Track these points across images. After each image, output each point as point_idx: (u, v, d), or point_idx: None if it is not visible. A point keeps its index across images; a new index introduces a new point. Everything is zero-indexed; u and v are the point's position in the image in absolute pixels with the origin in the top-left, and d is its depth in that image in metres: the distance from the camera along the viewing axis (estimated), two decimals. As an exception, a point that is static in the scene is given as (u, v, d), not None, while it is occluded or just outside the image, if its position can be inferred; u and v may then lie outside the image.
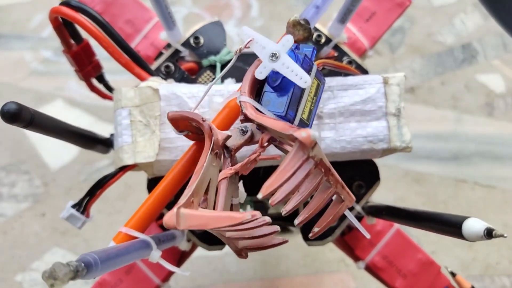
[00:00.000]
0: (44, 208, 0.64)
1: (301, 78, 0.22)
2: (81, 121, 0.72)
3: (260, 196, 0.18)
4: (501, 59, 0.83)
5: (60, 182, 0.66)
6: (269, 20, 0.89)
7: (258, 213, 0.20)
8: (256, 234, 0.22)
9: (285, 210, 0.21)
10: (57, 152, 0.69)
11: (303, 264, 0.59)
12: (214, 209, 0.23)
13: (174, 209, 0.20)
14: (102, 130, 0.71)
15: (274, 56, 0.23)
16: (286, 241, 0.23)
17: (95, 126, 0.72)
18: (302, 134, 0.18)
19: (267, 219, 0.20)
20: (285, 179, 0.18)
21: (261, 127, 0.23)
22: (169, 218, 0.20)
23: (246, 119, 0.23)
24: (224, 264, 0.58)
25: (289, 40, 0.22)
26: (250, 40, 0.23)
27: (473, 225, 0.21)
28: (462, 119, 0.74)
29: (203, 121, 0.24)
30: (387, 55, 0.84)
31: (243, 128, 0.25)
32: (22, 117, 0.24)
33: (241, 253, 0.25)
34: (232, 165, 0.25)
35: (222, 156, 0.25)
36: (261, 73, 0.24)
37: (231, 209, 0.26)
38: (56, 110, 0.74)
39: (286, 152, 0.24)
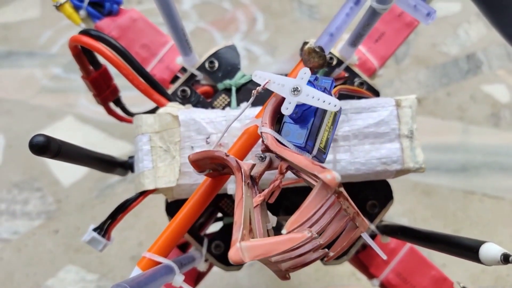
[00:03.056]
0: (57, 225, 0.65)
1: (329, 103, 0.23)
2: (92, 137, 0.73)
3: (284, 231, 0.19)
4: (506, 69, 0.84)
5: (72, 199, 0.67)
6: (274, 34, 0.90)
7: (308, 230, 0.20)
8: (302, 252, 0.22)
9: None
10: (69, 168, 0.70)
11: (315, 278, 0.59)
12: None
13: (237, 245, 0.20)
14: (113, 146, 0.73)
15: (296, 91, 0.24)
16: (326, 252, 0.24)
17: (105, 142, 0.72)
18: (327, 176, 0.19)
19: (315, 234, 0.21)
20: (309, 217, 0.19)
21: (281, 158, 0.24)
22: (234, 253, 0.20)
23: (267, 149, 0.24)
24: (236, 279, 0.59)
25: (307, 73, 0.23)
26: (267, 82, 0.24)
27: (490, 250, 0.22)
28: (468, 130, 0.75)
29: (227, 156, 0.24)
30: (392, 66, 0.85)
31: (261, 155, 0.25)
32: (51, 149, 0.25)
33: (284, 275, 0.25)
34: (259, 192, 0.25)
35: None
36: (287, 109, 0.24)
37: (268, 235, 0.26)
38: (67, 127, 0.75)
39: (304, 179, 0.25)
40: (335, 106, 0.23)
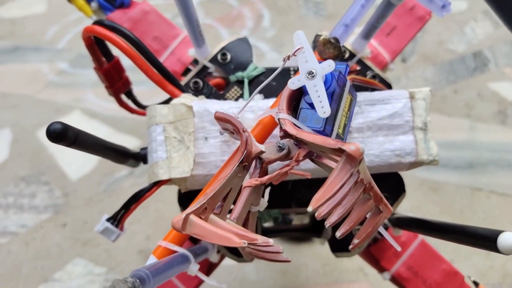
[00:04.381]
0: (65, 218, 0.65)
1: (322, 107, 0.23)
2: (99, 132, 0.73)
3: (310, 209, 0.19)
4: (512, 66, 0.84)
5: (80, 193, 0.67)
6: (281, 30, 0.90)
7: (260, 238, 0.21)
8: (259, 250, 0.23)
9: (329, 222, 0.21)
10: (76, 162, 0.70)
11: (323, 273, 0.59)
12: (229, 214, 0.25)
13: (183, 214, 0.21)
14: (120, 141, 0.73)
15: (311, 74, 0.24)
16: (288, 261, 0.24)
17: (112, 137, 0.73)
18: (351, 147, 0.19)
19: (270, 242, 0.22)
20: (334, 193, 0.19)
21: (300, 143, 0.24)
22: (177, 221, 0.22)
23: (286, 135, 0.24)
24: (244, 273, 0.59)
25: (331, 65, 0.23)
26: (299, 48, 0.24)
27: (509, 239, 0.22)
28: (475, 128, 0.75)
29: (243, 131, 0.24)
30: (399, 64, 0.84)
31: (281, 145, 0.25)
32: (68, 136, 0.25)
33: (247, 255, 0.26)
34: (260, 176, 0.26)
35: (253, 165, 0.26)
36: (293, 84, 0.24)
37: (248, 217, 0.27)
38: (74, 122, 0.75)
39: (323, 166, 0.25)
40: (324, 113, 0.23)
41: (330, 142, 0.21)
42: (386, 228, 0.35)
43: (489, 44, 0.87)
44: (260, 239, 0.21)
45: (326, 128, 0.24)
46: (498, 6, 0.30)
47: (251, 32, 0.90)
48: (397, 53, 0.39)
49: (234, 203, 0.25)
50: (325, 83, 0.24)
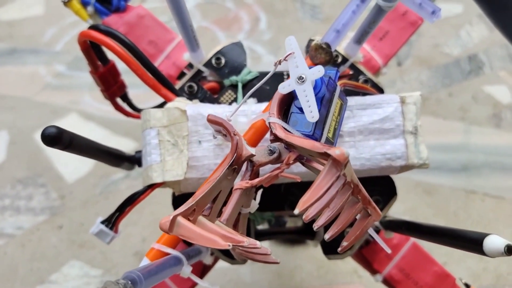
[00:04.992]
0: (61, 220, 0.65)
1: (311, 111, 0.23)
2: (96, 134, 0.73)
3: (296, 211, 0.20)
4: (507, 70, 0.85)
5: (76, 195, 0.67)
6: (277, 33, 0.91)
7: (247, 240, 0.21)
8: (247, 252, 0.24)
9: (317, 225, 0.22)
10: (73, 165, 0.70)
11: (317, 276, 0.59)
12: (219, 216, 0.25)
13: (172, 216, 0.22)
14: (116, 143, 0.73)
15: (300, 79, 0.24)
16: (277, 262, 0.25)
17: (109, 140, 0.73)
18: (336, 152, 0.19)
19: (257, 244, 0.22)
20: (320, 195, 0.20)
21: (290, 146, 0.24)
22: (164, 222, 0.22)
23: (276, 139, 0.24)
24: (238, 275, 0.59)
25: (320, 71, 0.23)
26: (290, 54, 0.25)
27: (494, 242, 0.22)
28: (470, 131, 0.75)
29: (234, 134, 0.25)
30: (394, 67, 0.85)
31: (272, 149, 0.26)
32: (62, 140, 0.25)
33: (238, 257, 0.26)
34: (251, 179, 0.26)
35: (244, 168, 0.26)
36: (283, 88, 0.25)
37: (238, 218, 0.27)
38: (71, 124, 0.76)
39: (312, 169, 0.26)
40: (312, 117, 0.24)
41: (317, 146, 0.21)
42: (378, 231, 0.36)
43: (484, 47, 0.88)
44: (247, 241, 0.21)
45: (316, 132, 0.24)
46: (490, 11, 0.30)
47: (247, 35, 0.90)
48: (390, 58, 0.40)
49: (224, 205, 0.25)
50: (315, 88, 0.24)
